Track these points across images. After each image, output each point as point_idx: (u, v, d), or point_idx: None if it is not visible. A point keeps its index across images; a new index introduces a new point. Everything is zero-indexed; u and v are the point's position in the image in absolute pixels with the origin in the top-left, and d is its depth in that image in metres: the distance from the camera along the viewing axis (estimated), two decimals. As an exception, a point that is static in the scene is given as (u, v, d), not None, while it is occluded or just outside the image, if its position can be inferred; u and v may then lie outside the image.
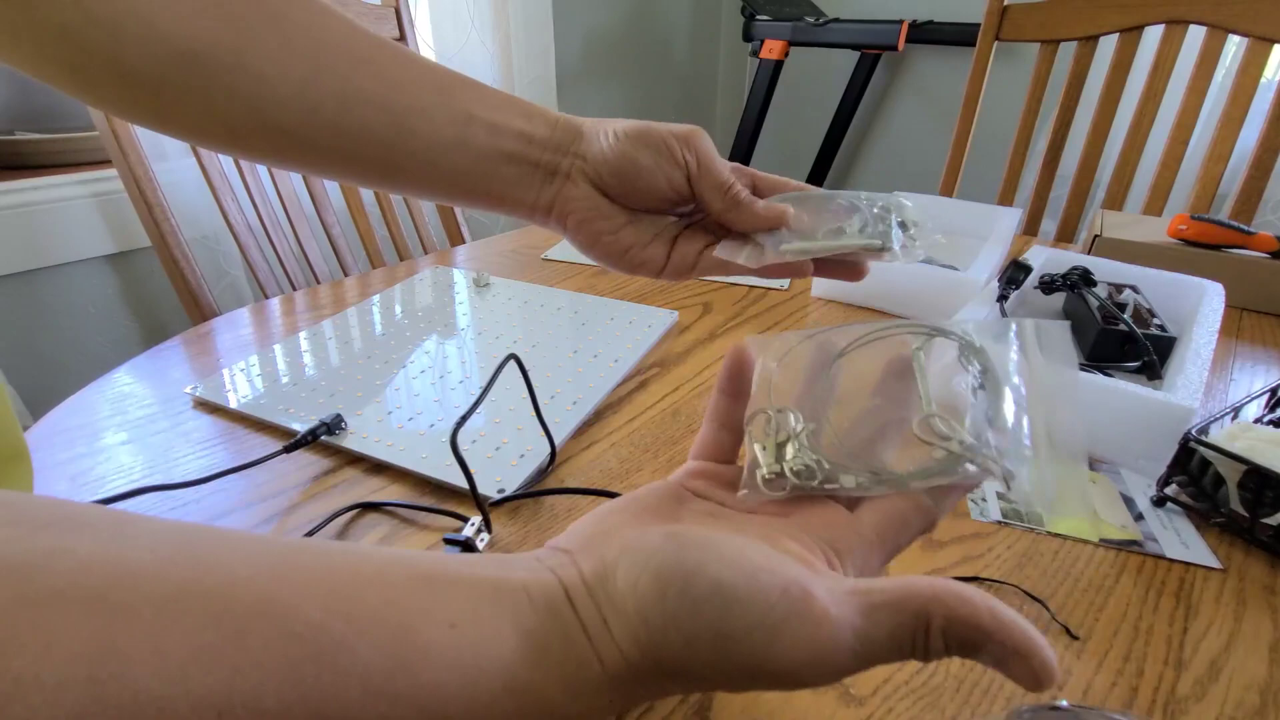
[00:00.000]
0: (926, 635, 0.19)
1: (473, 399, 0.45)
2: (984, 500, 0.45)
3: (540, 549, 0.24)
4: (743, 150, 2.07)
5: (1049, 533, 0.43)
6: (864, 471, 0.24)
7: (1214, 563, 0.40)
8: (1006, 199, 1.16)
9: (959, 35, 1.74)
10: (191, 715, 0.15)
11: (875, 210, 0.35)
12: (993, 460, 0.23)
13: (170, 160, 1.02)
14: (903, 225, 0.35)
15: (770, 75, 1.95)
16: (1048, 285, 0.68)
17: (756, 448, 0.26)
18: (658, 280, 0.38)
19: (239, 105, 0.30)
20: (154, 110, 0.31)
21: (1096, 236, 0.80)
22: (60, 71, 0.29)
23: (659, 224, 0.37)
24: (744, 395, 0.29)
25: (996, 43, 1.12)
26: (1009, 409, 0.24)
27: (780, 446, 0.26)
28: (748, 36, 1.98)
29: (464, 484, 0.41)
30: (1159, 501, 0.45)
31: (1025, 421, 0.24)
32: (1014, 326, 0.26)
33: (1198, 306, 0.61)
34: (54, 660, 0.14)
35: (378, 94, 0.32)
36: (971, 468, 0.23)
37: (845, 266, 0.37)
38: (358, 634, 0.18)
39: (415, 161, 0.33)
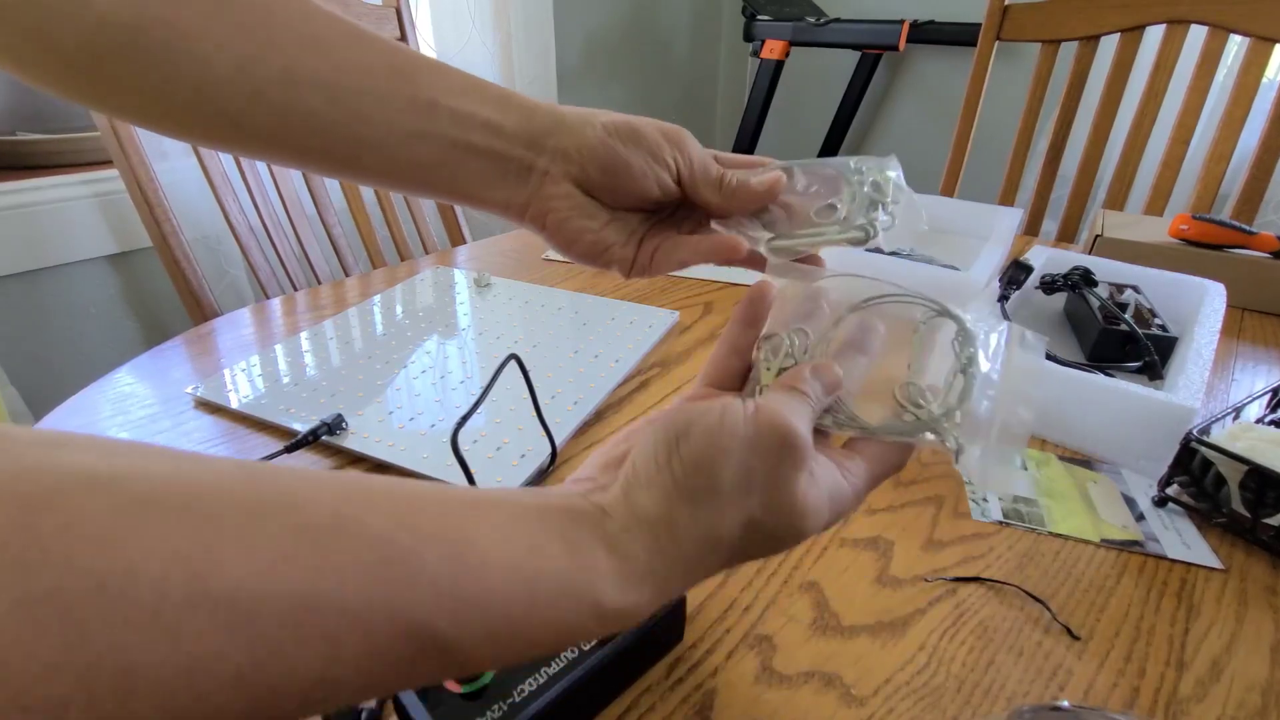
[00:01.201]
0: None
1: (473, 399, 0.45)
2: (985, 500, 0.45)
3: (563, 484, 0.27)
4: (743, 150, 2.06)
5: (1050, 533, 0.43)
6: (844, 413, 0.28)
7: (1215, 563, 0.40)
8: (1007, 199, 1.16)
9: (960, 35, 1.73)
10: (284, 609, 0.16)
11: (865, 189, 0.34)
12: (951, 436, 0.27)
13: (171, 160, 1.02)
14: (883, 206, 0.34)
15: (771, 75, 1.95)
16: (1049, 285, 0.68)
17: (762, 365, 0.29)
18: (650, 279, 0.37)
19: (179, 87, 0.28)
20: (92, 91, 0.29)
21: (1098, 236, 0.80)
22: None
23: (634, 221, 0.36)
24: (758, 324, 0.31)
25: (997, 43, 1.12)
26: (980, 395, 0.27)
27: (783, 370, 0.29)
28: (748, 36, 1.98)
29: (465, 484, 0.41)
30: (1160, 502, 0.45)
31: (989, 409, 0.27)
32: (1007, 326, 0.29)
33: (1199, 306, 0.61)
34: (157, 557, 0.15)
35: (327, 76, 0.29)
36: (931, 436, 0.27)
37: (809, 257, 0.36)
38: (423, 545, 0.19)
39: (371, 152, 0.31)
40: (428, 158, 0.31)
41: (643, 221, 0.36)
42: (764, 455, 0.24)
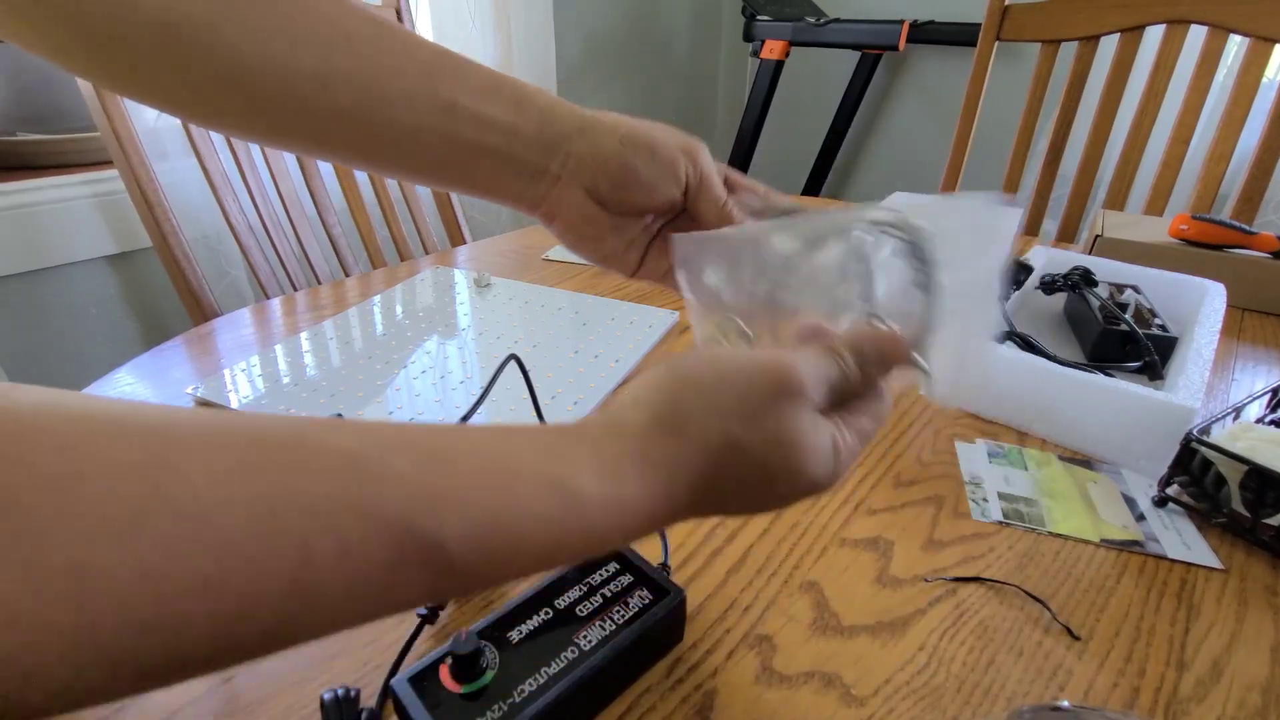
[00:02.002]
0: None
1: (474, 399, 0.45)
2: (985, 500, 0.45)
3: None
4: (743, 150, 2.07)
5: (1050, 533, 0.43)
6: None
7: (1215, 563, 0.40)
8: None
9: (960, 35, 1.73)
10: (247, 514, 0.16)
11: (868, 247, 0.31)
12: (921, 365, 0.26)
13: (171, 160, 1.02)
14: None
15: (771, 75, 1.95)
16: (1049, 285, 0.68)
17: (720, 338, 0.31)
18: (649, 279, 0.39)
19: (212, 77, 0.29)
20: (125, 79, 0.30)
21: (1098, 236, 0.80)
22: (26, 33, 0.29)
23: (639, 226, 0.37)
24: None
25: (997, 43, 1.12)
26: (940, 309, 0.27)
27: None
28: (748, 36, 1.98)
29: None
30: (1160, 502, 0.45)
31: (950, 321, 0.27)
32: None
33: (1199, 306, 0.61)
34: (114, 465, 0.15)
35: (357, 74, 0.30)
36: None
37: None
38: (389, 452, 0.19)
39: (394, 148, 0.32)
40: (446, 156, 0.32)
41: (648, 227, 0.37)
42: (753, 382, 0.24)
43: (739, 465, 0.24)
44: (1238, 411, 0.48)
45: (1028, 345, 0.57)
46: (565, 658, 0.30)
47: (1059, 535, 0.43)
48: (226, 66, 0.29)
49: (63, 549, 0.14)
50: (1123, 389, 0.48)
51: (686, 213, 0.36)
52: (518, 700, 0.29)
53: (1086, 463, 0.50)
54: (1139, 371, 0.56)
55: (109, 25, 0.28)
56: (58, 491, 0.14)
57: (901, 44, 1.77)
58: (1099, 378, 0.49)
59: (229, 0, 0.28)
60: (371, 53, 0.30)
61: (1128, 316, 0.59)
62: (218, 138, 0.89)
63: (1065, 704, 0.30)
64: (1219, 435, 0.44)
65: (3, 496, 0.14)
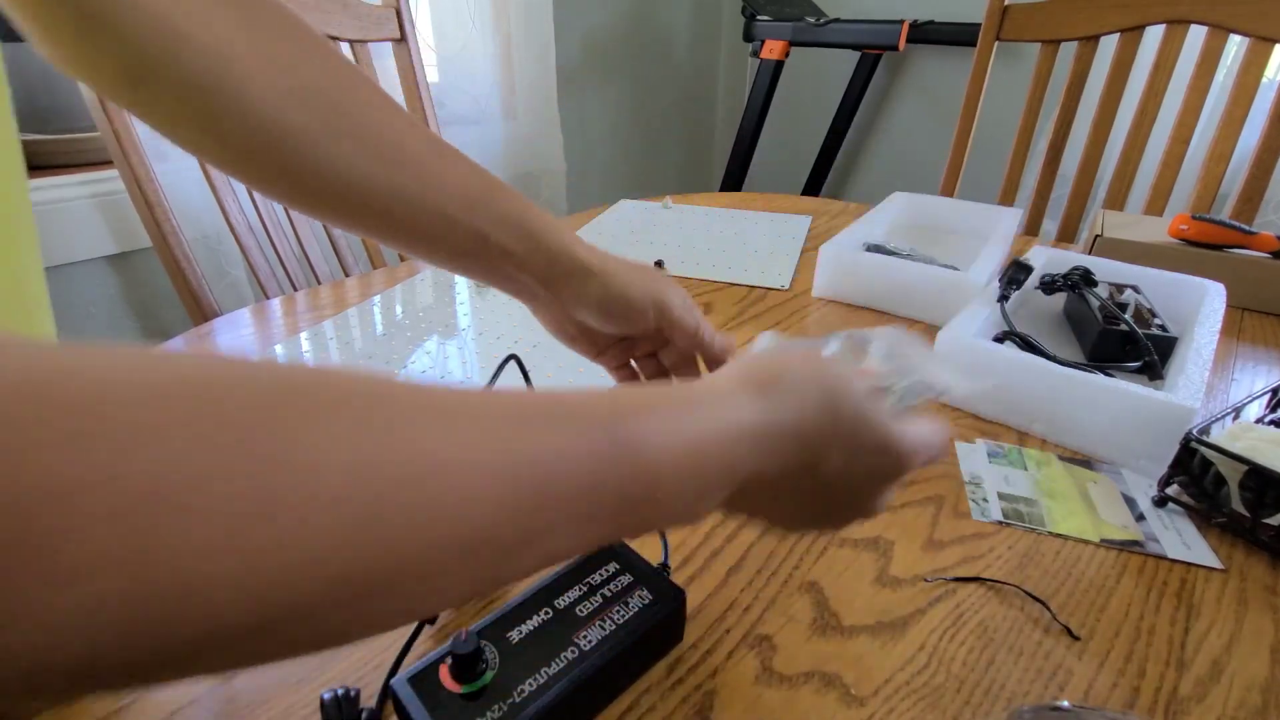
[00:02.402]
0: None
1: (474, 399, 0.45)
2: (985, 500, 0.45)
3: None
4: (743, 150, 2.06)
5: (1050, 533, 0.43)
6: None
7: (1215, 563, 0.40)
8: (1007, 199, 1.16)
9: (960, 35, 1.73)
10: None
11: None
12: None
13: (171, 161, 1.02)
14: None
15: (771, 75, 1.94)
16: (1048, 286, 0.68)
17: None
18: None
19: (308, 177, 0.35)
20: (241, 169, 0.36)
21: (1097, 236, 0.80)
22: (177, 134, 0.35)
23: (618, 349, 0.44)
24: None
25: (997, 43, 1.12)
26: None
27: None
28: (748, 36, 1.97)
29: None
30: (1160, 502, 0.45)
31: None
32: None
33: (1199, 306, 0.61)
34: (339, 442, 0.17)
35: (410, 191, 0.36)
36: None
37: None
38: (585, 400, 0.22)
39: (432, 252, 0.38)
40: (469, 269, 0.39)
41: (625, 349, 0.44)
42: (838, 378, 0.27)
43: (828, 422, 0.26)
44: (1237, 411, 0.48)
45: (1028, 345, 0.57)
46: (565, 658, 0.30)
47: (1059, 535, 0.43)
48: (323, 172, 0.35)
49: (412, 446, 0.17)
50: (1123, 389, 0.48)
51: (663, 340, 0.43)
52: (518, 700, 0.29)
53: (1086, 463, 0.50)
54: (1139, 371, 0.56)
55: (235, 133, 0.33)
56: (403, 416, 0.17)
57: (901, 44, 1.77)
58: (1099, 377, 0.49)
59: (328, 124, 0.34)
60: (427, 172, 0.36)
61: (1128, 317, 0.59)
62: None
63: (1065, 704, 0.30)
64: (1219, 435, 0.44)
65: (374, 416, 0.17)
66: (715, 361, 0.42)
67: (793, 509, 0.28)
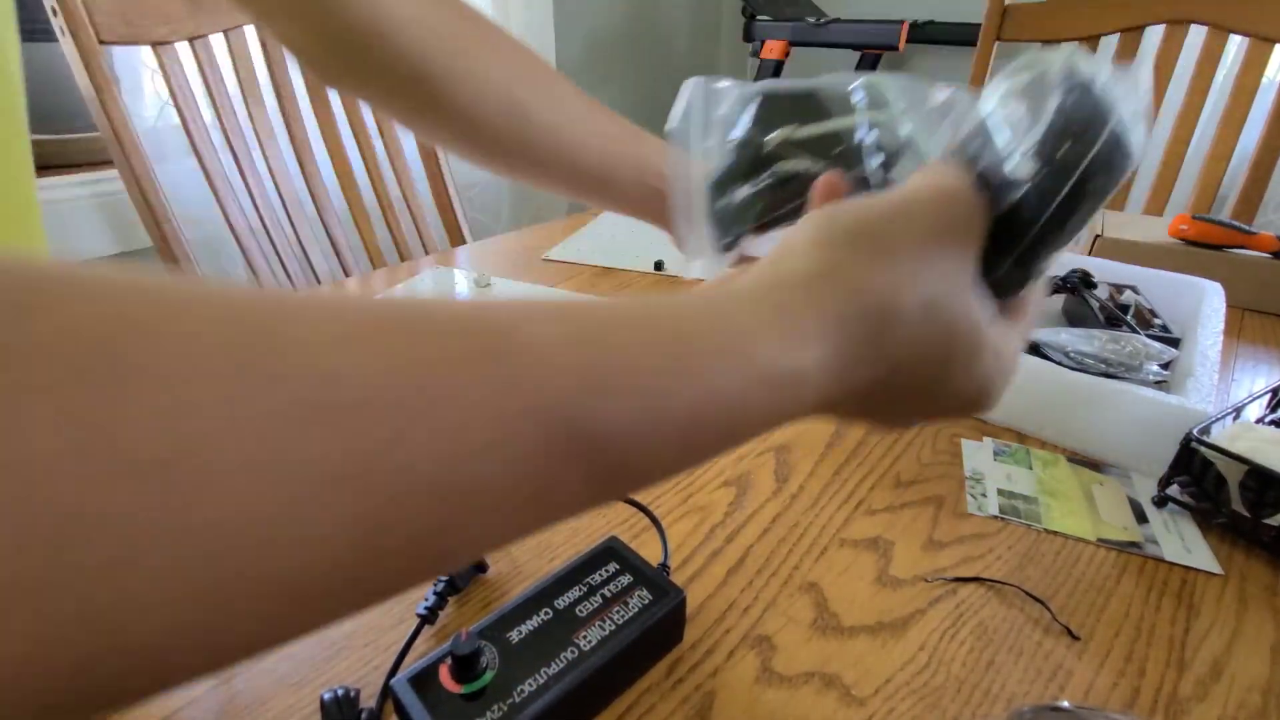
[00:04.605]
0: None
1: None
2: (983, 496, 0.45)
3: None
4: (743, 150, 2.06)
5: (1045, 530, 0.43)
6: None
7: (1215, 568, 0.40)
8: (1007, 199, 1.16)
9: (960, 35, 1.73)
10: (365, 393, 0.14)
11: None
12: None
13: (171, 161, 1.02)
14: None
15: (771, 75, 1.94)
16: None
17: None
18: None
19: (516, 149, 0.42)
20: (472, 143, 0.43)
21: (1097, 236, 0.80)
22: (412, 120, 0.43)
23: None
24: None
25: (997, 43, 1.12)
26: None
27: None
28: (748, 37, 1.98)
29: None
30: (1160, 502, 0.45)
31: None
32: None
33: (1199, 307, 0.61)
34: (212, 333, 0.13)
35: (590, 160, 0.44)
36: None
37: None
38: (545, 324, 0.17)
39: (605, 201, 0.45)
40: (630, 208, 0.45)
41: None
42: (934, 216, 0.21)
43: (933, 332, 0.21)
44: (1238, 411, 0.48)
45: (1034, 350, 0.57)
46: (565, 658, 0.30)
47: (1055, 533, 0.43)
48: (460, 110, 0.41)
49: (147, 440, 0.11)
50: (1133, 392, 0.48)
51: None
52: (518, 700, 0.29)
53: (1094, 465, 0.49)
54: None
55: (470, 108, 0.41)
56: (152, 370, 0.11)
57: (901, 44, 1.76)
58: (1109, 382, 0.49)
59: (469, 64, 0.40)
60: (616, 148, 0.43)
61: (1129, 318, 0.59)
62: (218, 138, 0.89)
63: (1065, 704, 0.30)
64: (1219, 435, 0.44)
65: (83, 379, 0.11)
66: None
67: (889, 413, 0.23)
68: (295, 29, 0.39)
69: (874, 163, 0.30)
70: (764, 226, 0.32)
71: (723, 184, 0.32)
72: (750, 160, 0.31)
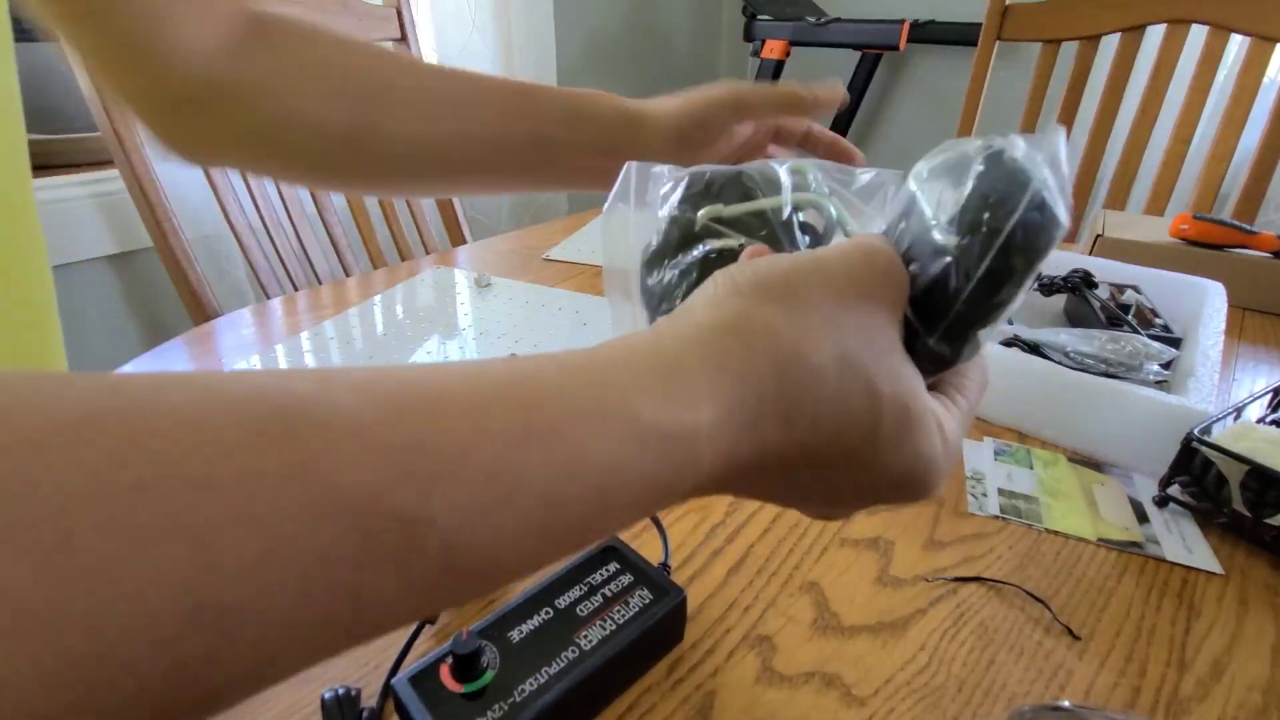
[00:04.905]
0: None
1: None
2: (984, 495, 0.45)
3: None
4: (744, 150, 2.06)
5: (1046, 529, 0.43)
6: None
7: (1215, 568, 0.40)
8: (1008, 199, 1.16)
9: (960, 35, 1.73)
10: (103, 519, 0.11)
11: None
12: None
13: (172, 160, 1.02)
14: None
15: (772, 75, 1.94)
16: (1046, 287, 0.67)
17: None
18: None
19: (370, 164, 0.39)
20: (315, 175, 0.40)
21: (1098, 236, 0.80)
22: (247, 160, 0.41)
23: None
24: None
25: (998, 42, 1.12)
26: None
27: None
28: (749, 36, 1.98)
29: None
30: (1161, 501, 0.45)
31: None
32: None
33: (1200, 307, 0.61)
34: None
35: (481, 137, 0.40)
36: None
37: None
38: (350, 394, 0.14)
39: (504, 181, 0.42)
40: (545, 178, 0.41)
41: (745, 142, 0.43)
42: (851, 268, 0.19)
43: (851, 390, 0.18)
44: (1239, 411, 0.48)
45: (1035, 350, 0.57)
46: (566, 657, 0.30)
47: (1055, 532, 0.43)
48: (379, 158, 0.38)
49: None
50: (1134, 393, 0.47)
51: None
52: (518, 700, 0.29)
53: (1096, 464, 0.49)
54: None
55: (302, 141, 0.37)
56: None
57: (902, 44, 1.76)
58: (1110, 382, 0.49)
59: (375, 114, 0.37)
60: (495, 124, 0.39)
61: (1130, 318, 0.59)
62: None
63: (1066, 704, 0.30)
64: (1220, 435, 0.44)
65: None
66: (828, 106, 0.40)
67: (817, 491, 0.21)
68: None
69: (803, 242, 0.30)
70: None
71: (653, 262, 0.32)
72: (680, 238, 0.31)
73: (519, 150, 0.39)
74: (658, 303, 0.31)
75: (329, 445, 0.13)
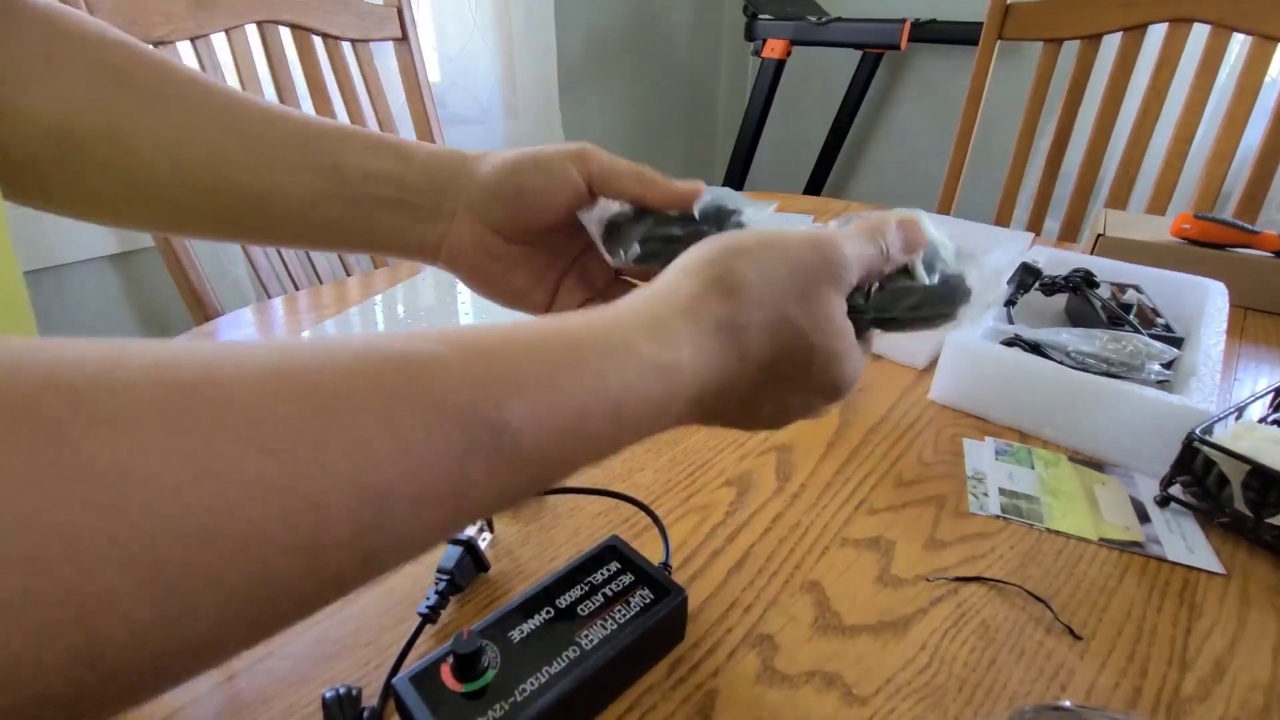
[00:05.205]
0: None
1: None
2: (985, 495, 0.45)
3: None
4: (744, 150, 2.06)
5: (1047, 529, 0.43)
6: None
7: (1217, 568, 0.40)
8: (1009, 198, 1.16)
9: (961, 34, 1.73)
10: (293, 411, 0.16)
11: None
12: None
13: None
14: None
15: (772, 74, 1.94)
16: (1048, 287, 0.67)
17: None
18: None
19: (113, 178, 0.31)
20: (33, 188, 0.32)
21: (1100, 235, 0.80)
22: None
23: (544, 262, 0.36)
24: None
25: (999, 42, 1.12)
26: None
27: None
28: (750, 35, 1.97)
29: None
30: (1163, 501, 0.45)
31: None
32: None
33: (1202, 306, 0.61)
34: (149, 380, 0.14)
35: (245, 156, 0.32)
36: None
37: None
38: (440, 344, 0.19)
39: (288, 215, 0.33)
40: (336, 215, 0.33)
41: (553, 263, 0.37)
42: (802, 254, 0.25)
43: (788, 340, 0.25)
44: (1240, 411, 0.48)
45: (1036, 350, 0.57)
46: (567, 657, 0.30)
47: (1056, 532, 0.43)
48: (126, 166, 0.31)
49: (104, 456, 0.13)
50: (1135, 393, 0.47)
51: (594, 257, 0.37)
52: (519, 699, 0.29)
53: (1097, 464, 0.49)
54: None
55: (11, 139, 0.29)
56: (91, 402, 0.13)
57: (903, 43, 1.76)
58: (1111, 381, 0.49)
59: (119, 107, 0.30)
60: (256, 132, 0.32)
61: (1131, 317, 0.59)
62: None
63: (1067, 704, 0.30)
64: (1221, 435, 0.44)
65: (34, 417, 0.12)
66: (680, 203, 0.33)
67: (733, 417, 0.28)
68: None
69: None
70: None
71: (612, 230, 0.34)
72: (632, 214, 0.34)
73: (306, 181, 0.33)
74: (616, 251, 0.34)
75: (433, 376, 0.18)
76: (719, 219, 0.33)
